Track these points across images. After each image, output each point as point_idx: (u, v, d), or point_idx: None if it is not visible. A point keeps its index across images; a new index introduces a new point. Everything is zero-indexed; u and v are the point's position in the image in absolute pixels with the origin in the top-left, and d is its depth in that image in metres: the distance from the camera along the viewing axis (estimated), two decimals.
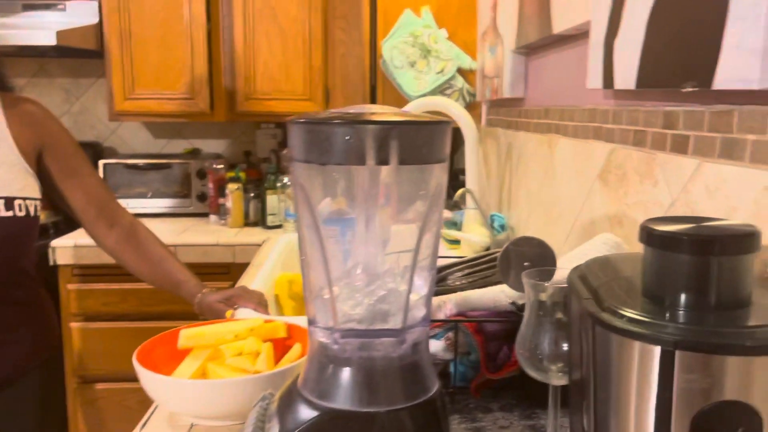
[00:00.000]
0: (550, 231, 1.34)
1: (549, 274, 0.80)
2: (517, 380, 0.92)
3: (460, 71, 2.05)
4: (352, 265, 0.66)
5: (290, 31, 2.50)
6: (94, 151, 2.76)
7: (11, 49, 2.36)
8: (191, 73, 2.47)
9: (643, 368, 0.52)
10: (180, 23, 2.45)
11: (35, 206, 1.28)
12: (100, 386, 2.35)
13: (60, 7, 2.40)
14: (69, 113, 2.88)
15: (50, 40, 2.25)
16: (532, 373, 0.76)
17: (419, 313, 0.67)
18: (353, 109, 0.63)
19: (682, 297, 0.54)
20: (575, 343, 0.64)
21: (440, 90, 2.03)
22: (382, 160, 0.59)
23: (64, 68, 2.84)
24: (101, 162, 2.61)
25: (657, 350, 0.51)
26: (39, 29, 2.28)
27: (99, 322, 2.32)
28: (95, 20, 2.44)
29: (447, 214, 1.88)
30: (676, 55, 0.76)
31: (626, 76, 0.89)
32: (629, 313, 0.54)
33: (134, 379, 0.90)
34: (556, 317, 0.75)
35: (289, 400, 0.67)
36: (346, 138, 0.58)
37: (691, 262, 0.53)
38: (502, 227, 1.69)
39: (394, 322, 0.64)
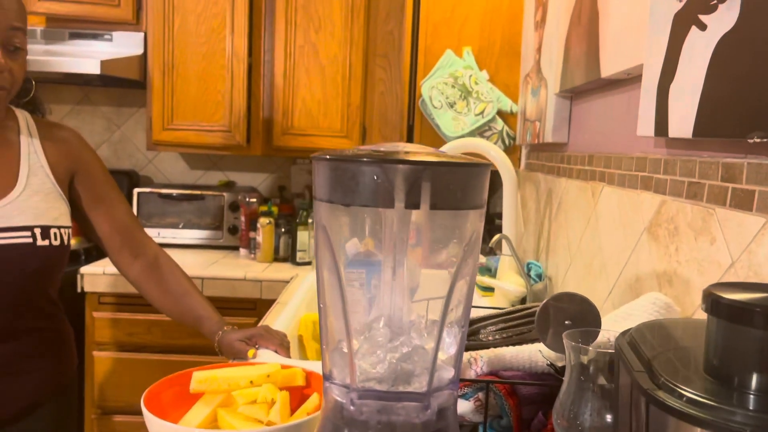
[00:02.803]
0: (591, 284, 1.26)
1: (592, 336, 0.73)
2: None
3: (500, 114, 2.00)
4: (375, 316, 0.60)
5: (330, 68, 2.50)
6: (130, 179, 2.78)
7: (57, 76, 2.40)
8: (230, 106, 2.48)
9: None
10: (222, 57, 2.46)
11: (68, 234, 1.26)
12: (118, 418, 2.30)
13: (106, 37, 2.44)
14: (109, 141, 2.91)
15: (95, 69, 2.28)
16: None
17: (447, 374, 0.61)
18: (384, 147, 0.58)
19: (754, 378, 0.46)
20: (624, 416, 0.56)
21: (479, 132, 1.98)
22: (413, 204, 0.53)
23: (107, 97, 2.88)
24: (136, 190, 2.62)
25: None
26: (85, 58, 2.31)
27: (122, 353, 2.28)
28: (140, 51, 2.47)
29: (481, 259, 1.81)
30: (740, 102, 0.70)
31: (682, 123, 0.82)
32: (689, 393, 0.46)
33: None
34: (599, 384, 0.68)
35: None
36: (374, 178, 0.53)
37: (765, 338, 0.45)
38: (539, 276, 1.61)
39: (419, 385, 0.58)
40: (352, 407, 0.58)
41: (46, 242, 1.20)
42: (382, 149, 0.57)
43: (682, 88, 0.83)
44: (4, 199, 1.18)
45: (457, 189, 0.54)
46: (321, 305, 0.61)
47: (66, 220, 1.27)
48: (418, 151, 0.57)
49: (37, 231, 1.19)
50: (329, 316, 0.61)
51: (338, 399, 0.60)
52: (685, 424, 0.46)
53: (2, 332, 1.19)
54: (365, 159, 0.54)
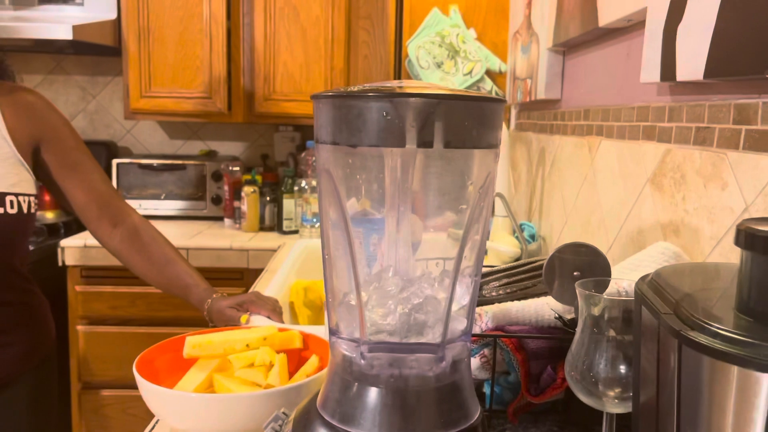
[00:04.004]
0: (589, 240, 1.23)
1: (603, 285, 0.70)
2: (561, 404, 0.82)
3: (489, 73, 1.96)
4: (384, 267, 0.57)
5: (312, 30, 2.43)
6: (109, 150, 2.70)
7: (27, 42, 2.31)
8: (209, 71, 2.40)
9: (743, 397, 0.42)
10: (199, 21, 2.38)
11: (29, 202, 1.19)
12: (105, 392, 2.26)
13: (78, 1, 2.34)
14: (85, 111, 2.82)
15: (67, 35, 2.19)
16: (585, 399, 0.66)
17: (459, 325, 0.58)
18: (390, 83, 0.54)
19: None
20: (648, 364, 0.54)
21: None
22: (425, 142, 0.49)
23: (81, 65, 2.78)
24: (115, 161, 2.55)
25: (764, 378, 0.41)
26: (56, 23, 2.22)
27: (106, 326, 2.24)
28: (113, 16, 2.38)
29: None
30: (757, 38, 0.67)
31: (692, 65, 0.79)
32: (724, 331, 0.44)
33: None
34: (612, 335, 0.65)
35: (307, 421, 0.58)
36: (383, 115, 0.49)
37: None
38: (532, 237, 1.59)
39: (432, 336, 0.55)
40: (362, 361, 0.55)
41: (1, 210, 1.14)
42: (386, 85, 0.53)
43: (692, 27, 0.79)
44: None
45: (473, 126, 0.51)
46: (326, 255, 0.57)
47: (27, 187, 1.20)
48: (425, 86, 0.53)
49: None
50: (334, 268, 0.57)
51: (346, 354, 0.56)
52: (721, 363, 0.43)
53: None
54: (372, 94, 0.50)
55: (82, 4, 2.35)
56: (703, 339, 0.44)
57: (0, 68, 1.29)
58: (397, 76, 2.06)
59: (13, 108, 1.21)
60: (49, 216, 2.35)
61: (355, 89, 0.51)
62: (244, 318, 1.21)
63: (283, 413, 0.64)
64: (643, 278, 0.58)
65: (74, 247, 2.20)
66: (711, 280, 0.57)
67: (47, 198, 2.32)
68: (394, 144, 0.50)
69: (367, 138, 0.50)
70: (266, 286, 1.59)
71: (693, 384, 0.46)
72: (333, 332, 0.58)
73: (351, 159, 0.53)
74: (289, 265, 1.78)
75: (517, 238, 1.55)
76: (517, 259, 1.54)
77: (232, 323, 1.21)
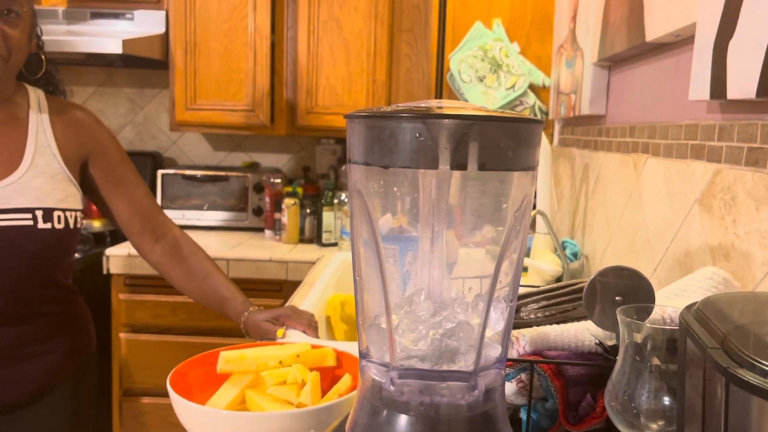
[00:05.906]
0: (634, 262, 1.19)
1: (647, 312, 0.68)
2: None
3: (532, 88, 1.93)
4: (416, 290, 0.55)
5: (354, 44, 2.44)
6: (154, 161, 2.75)
7: (79, 56, 2.37)
8: (253, 84, 2.43)
9: None
10: (244, 34, 2.42)
11: (76, 217, 1.21)
12: (145, 400, 2.30)
13: (128, 16, 2.41)
14: (133, 123, 2.89)
15: (117, 49, 2.25)
16: (625, 431, 0.63)
17: (494, 352, 0.56)
18: (424, 103, 0.53)
19: None
20: (694, 398, 0.51)
21: (510, 107, 1.91)
22: (459, 164, 0.48)
23: (129, 78, 2.86)
24: (160, 172, 2.60)
25: None
26: (107, 37, 2.28)
27: (148, 334, 2.27)
28: (162, 30, 2.43)
29: None
30: None
31: (743, 83, 0.76)
32: None
33: None
34: (656, 364, 0.62)
35: None
36: (416, 136, 0.48)
37: None
38: (575, 255, 1.55)
39: (465, 363, 0.53)
40: (391, 387, 0.53)
41: (48, 225, 1.15)
42: (422, 105, 0.52)
43: (744, 44, 0.76)
44: (5, 180, 1.13)
45: (508, 148, 0.49)
46: (356, 277, 0.56)
47: (74, 203, 1.22)
48: (462, 106, 0.52)
49: (39, 213, 1.14)
50: (365, 290, 0.56)
51: (376, 378, 0.55)
52: None
53: (6, 316, 1.15)
54: (405, 115, 0.49)
55: (132, 18, 2.41)
56: (752, 378, 0.41)
57: (53, 84, 1.32)
58: (439, 89, 2.04)
59: (64, 125, 1.23)
60: (96, 225, 2.40)
61: (389, 109, 0.50)
62: (280, 332, 1.21)
63: None
64: (688, 307, 0.55)
65: (119, 256, 2.25)
66: (763, 311, 0.54)
67: (94, 207, 2.37)
68: (427, 165, 0.49)
69: (400, 159, 0.49)
70: (303, 299, 1.59)
71: (741, 424, 0.43)
72: (363, 355, 0.57)
73: (383, 180, 0.52)
74: (327, 279, 1.77)
75: (558, 256, 1.52)
76: (559, 278, 1.50)
77: (268, 337, 1.21)
